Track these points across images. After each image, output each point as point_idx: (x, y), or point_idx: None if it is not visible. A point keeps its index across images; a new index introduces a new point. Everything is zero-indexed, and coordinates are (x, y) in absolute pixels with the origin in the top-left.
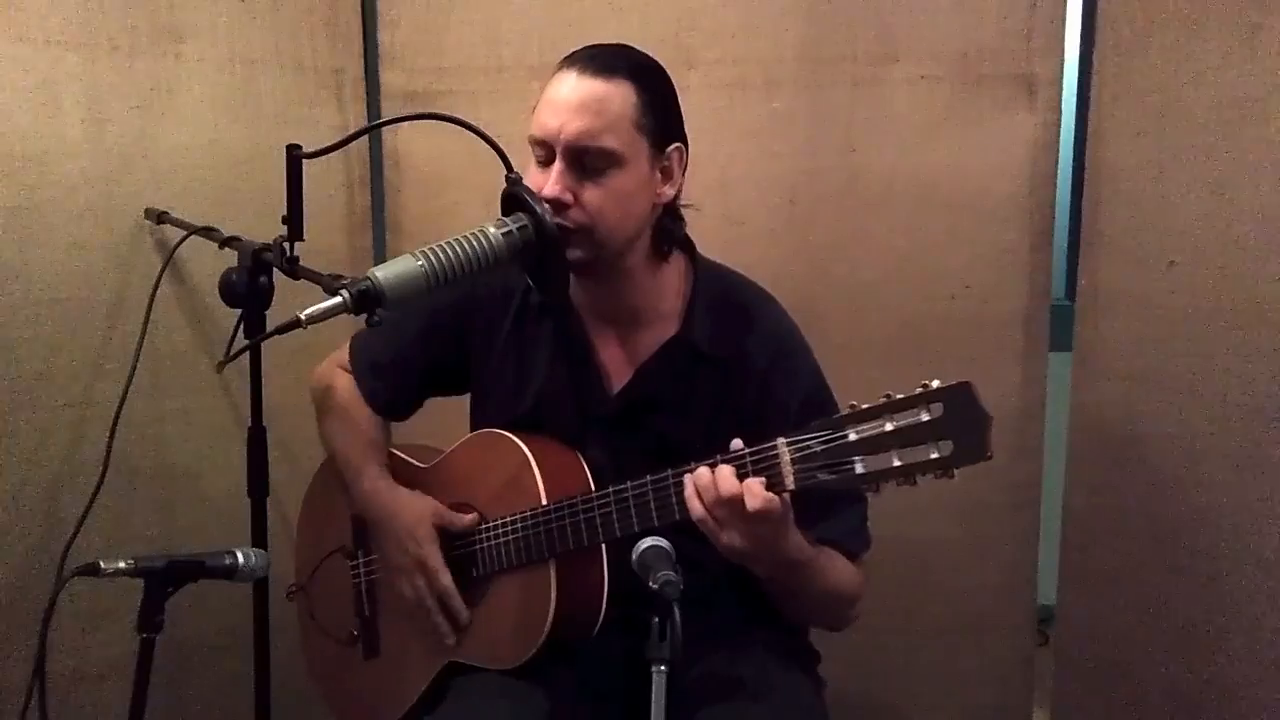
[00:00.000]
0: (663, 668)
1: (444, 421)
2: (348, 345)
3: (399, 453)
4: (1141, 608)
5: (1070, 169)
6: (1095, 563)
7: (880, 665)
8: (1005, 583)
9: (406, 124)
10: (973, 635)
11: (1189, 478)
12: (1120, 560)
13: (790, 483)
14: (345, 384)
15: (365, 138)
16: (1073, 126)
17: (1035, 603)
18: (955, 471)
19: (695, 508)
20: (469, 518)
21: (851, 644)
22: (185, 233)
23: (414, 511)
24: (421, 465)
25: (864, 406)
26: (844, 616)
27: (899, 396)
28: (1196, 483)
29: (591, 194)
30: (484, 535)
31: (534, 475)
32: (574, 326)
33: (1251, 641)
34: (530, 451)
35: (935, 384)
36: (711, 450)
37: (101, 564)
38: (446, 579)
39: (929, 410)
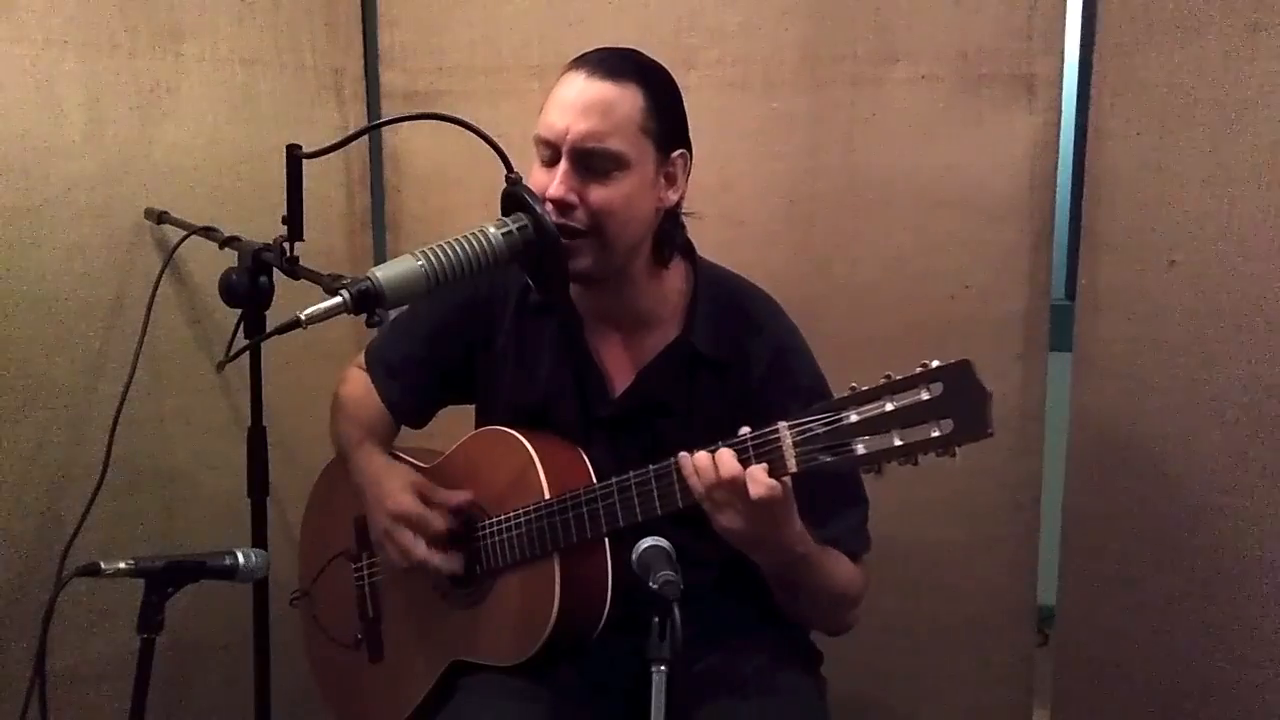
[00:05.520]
0: (663, 668)
1: (447, 424)
2: (363, 353)
3: (401, 454)
4: (1141, 608)
5: (1070, 169)
6: (1095, 563)
7: (881, 665)
8: (1005, 583)
9: (406, 124)
10: (973, 635)
11: (1189, 478)
12: (1120, 560)
13: (792, 465)
14: (360, 381)
15: (365, 138)
16: (1073, 126)
17: (1035, 603)
18: (957, 450)
19: (694, 484)
20: (462, 494)
21: (852, 644)
22: (185, 233)
23: (403, 477)
24: (424, 465)
25: (864, 388)
26: (845, 619)
27: (899, 377)
28: (1196, 483)
29: (596, 195)
30: (488, 531)
31: (537, 471)
32: (575, 328)
33: (1251, 641)
34: (533, 448)
35: (935, 363)
36: None
37: (101, 564)
38: (434, 520)
39: (929, 389)
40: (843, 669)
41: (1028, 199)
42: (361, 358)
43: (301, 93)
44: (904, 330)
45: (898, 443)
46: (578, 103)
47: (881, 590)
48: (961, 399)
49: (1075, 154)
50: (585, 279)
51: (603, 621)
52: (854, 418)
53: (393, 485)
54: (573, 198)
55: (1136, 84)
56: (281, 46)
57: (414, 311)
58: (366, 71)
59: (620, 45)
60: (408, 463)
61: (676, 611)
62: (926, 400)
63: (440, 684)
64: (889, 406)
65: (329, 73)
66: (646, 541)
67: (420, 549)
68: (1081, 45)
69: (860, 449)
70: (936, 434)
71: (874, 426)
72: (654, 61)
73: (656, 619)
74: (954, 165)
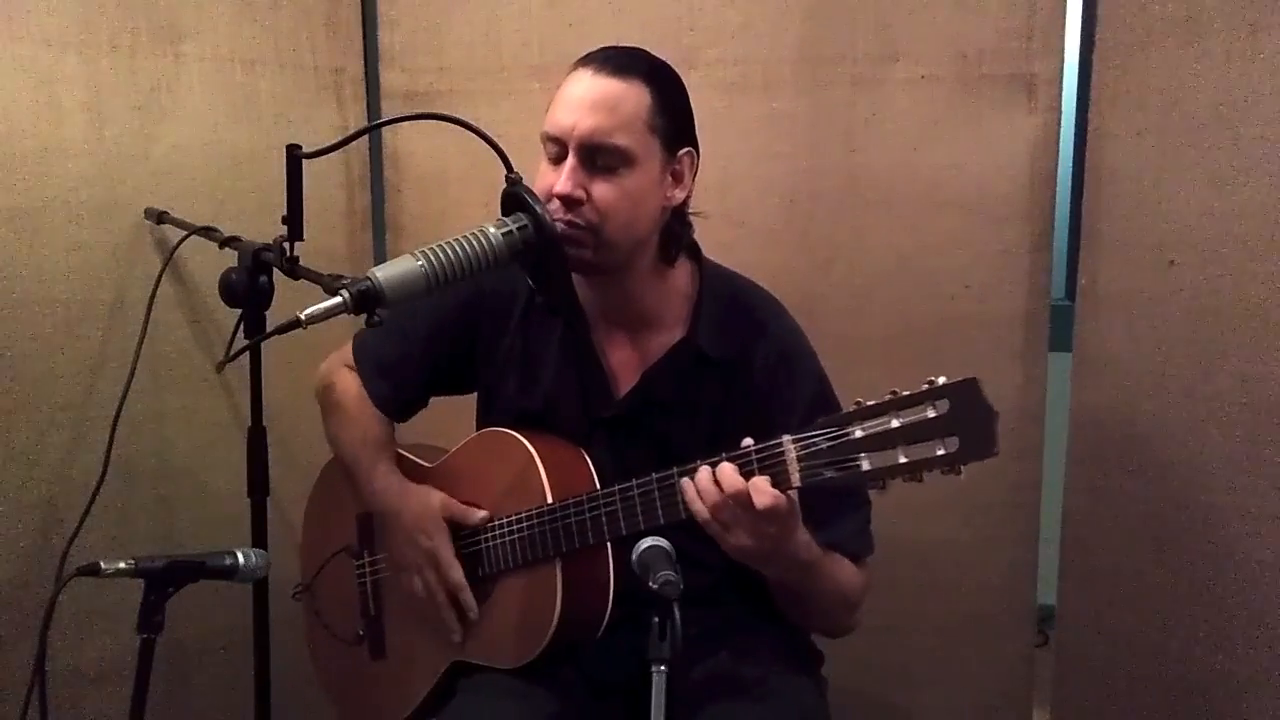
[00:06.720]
0: (663, 668)
1: (448, 421)
2: (350, 344)
3: (404, 452)
4: (1141, 608)
5: (1070, 169)
6: (1095, 563)
7: (881, 665)
8: (1005, 583)
9: (406, 124)
10: (973, 635)
11: (1189, 478)
12: (1120, 560)
13: (796, 480)
14: (351, 383)
15: (365, 138)
16: (1073, 126)
17: (1035, 603)
18: (962, 468)
19: (699, 509)
20: (480, 514)
21: (852, 644)
22: (185, 233)
23: (423, 504)
24: (427, 464)
25: (870, 403)
26: (846, 621)
27: (905, 393)
28: (1196, 483)
29: (602, 191)
30: (489, 534)
31: (539, 474)
32: (581, 328)
33: (1252, 642)
34: (535, 450)
35: (941, 380)
36: (715, 453)
37: (101, 564)
38: (458, 573)
39: (935, 406)
40: (843, 669)
41: (1028, 199)
42: (349, 354)
43: (301, 93)
44: (904, 330)
45: (902, 460)
46: (585, 99)
47: (882, 590)
48: (967, 417)
49: (1075, 154)
50: (586, 269)
51: (604, 625)
52: (859, 433)
53: (427, 519)
54: (579, 193)
55: (1136, 84)
56: (281, 46)
57: (411, 310)
58: (366, 71)
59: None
60: (411, 461)
61: (676, 611)
62: (932, 418)
63: (441, 683)
64: (894, 423)
65: (329, 73)
66: (646, 541)
67: (441, 595)
68: (1081, 45)
69: (865, 465)
70: (942, 452)
71: (879, 443)
72: (661, 60)
73: (656, 619)
74: (954, 165)
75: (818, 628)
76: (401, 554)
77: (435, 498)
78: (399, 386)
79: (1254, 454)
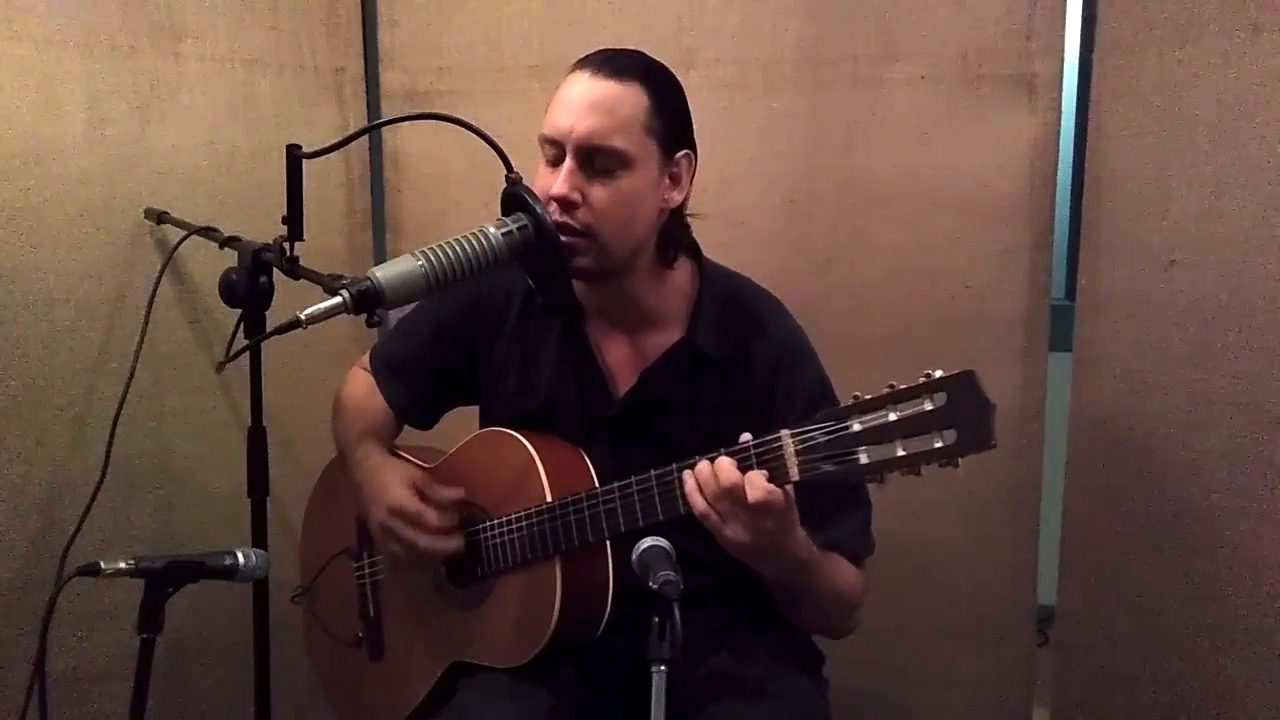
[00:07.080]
0: (662, 668)
1: (448, 423)
2: (368, 354)
3: (404, 454)
4: (1141, 608)
5: (1070, 169)
6: (1095, 563)
7: (880, 665)
8: (1005, 583)
9: (406, 124)
10: (973, 635)
11: (1189, 478)
12: (1120, 560)
13: (794, 474)
14: (361, 383)
15: (365, 138)
16: (1073, 126)
17: (1035, 603)
18: (960, 461)
19: (697, 502)
20: (452, 491)
21: (852, 644)
22: (185, 233)
23: (397, 471)
24: (426, 465)
25: (867, 397)
26: (847, 622)
27: (902, 386)
28: (1196, 483)
29: (600, 194)
30: (489, 533)
31: (539, 474)
32: (580, 328)
33: (1251, 641)
34: (535, 450)
35: (938, 373)
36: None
37: (101, 564)
38: (433, 517)
39: (932, 400)
40: (844, 670)
41: (1028, 199)
42: (366, 359)
43: (301, 93)
44: (904, 330)
45: (901, 453)
46: (583, 101)
47: (882, 590)
48: (965, 410)
49: (1075, 154)
50: (587, 276)
51: (603, 624)
52: (857, 427)
53: (390, 480)
54: (576, 196)
55: (1136, 84)
56: (281, 46)
57: (417, 313)
58: (366, 71)
59: (621, 46)
60: (409, 462)
61: (676, 611)
62: (930, 410)
63: (440, 684)
64: (892, 416)
65: (329, 73)
66: (646, 541)
67: (423, 539)
68: (1081, 45)
69: (863, 458)
70: (940, 445)
71: (877, 436)
72: (659, 62)
73: (656, 619)
74: (954, 165)
75: (817, 629)
76: (373, 519)
77: (409, 467)
78: (409, 387)
79: (1254, 454)
